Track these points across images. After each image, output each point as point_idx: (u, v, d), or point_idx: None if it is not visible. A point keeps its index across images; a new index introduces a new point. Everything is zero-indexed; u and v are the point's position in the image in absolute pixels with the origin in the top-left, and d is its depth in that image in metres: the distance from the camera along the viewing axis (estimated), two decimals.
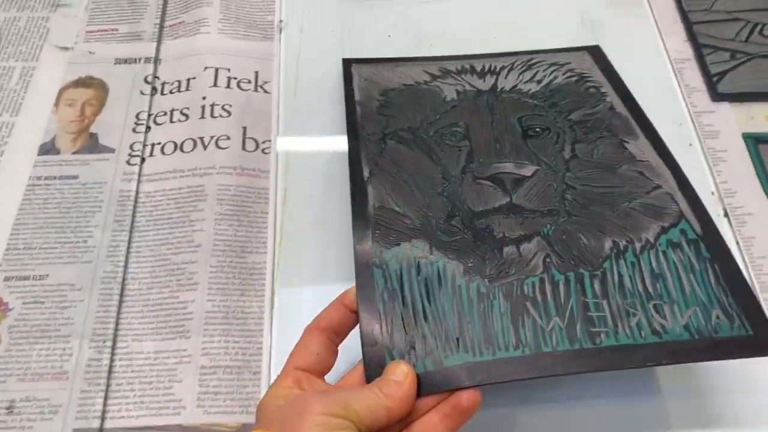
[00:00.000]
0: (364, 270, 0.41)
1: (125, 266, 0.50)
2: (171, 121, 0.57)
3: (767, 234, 0.51)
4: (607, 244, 0.41)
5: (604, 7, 0.63)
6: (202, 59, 0.60)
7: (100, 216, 0.52)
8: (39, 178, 0.54)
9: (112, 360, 0.46)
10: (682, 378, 0.44)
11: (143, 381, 0.45)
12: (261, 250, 0.51)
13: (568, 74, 0.54)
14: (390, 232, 0.43)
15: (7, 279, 0.49)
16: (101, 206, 0.53)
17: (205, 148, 0.55)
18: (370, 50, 0.60)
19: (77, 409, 0.44)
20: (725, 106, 0.57)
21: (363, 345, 0.37)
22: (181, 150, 0.55)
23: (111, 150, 0.56)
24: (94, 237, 0.51)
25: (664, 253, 0.41)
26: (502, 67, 0.55)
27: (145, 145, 0.56)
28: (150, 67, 0.60)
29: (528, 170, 0.45)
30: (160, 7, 0.64)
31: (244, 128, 0.56)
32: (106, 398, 0.44)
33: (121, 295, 0.49)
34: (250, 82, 0.59)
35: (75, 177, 0.54)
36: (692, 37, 0.61)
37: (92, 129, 0.57)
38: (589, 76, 0.53)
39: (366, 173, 0.46)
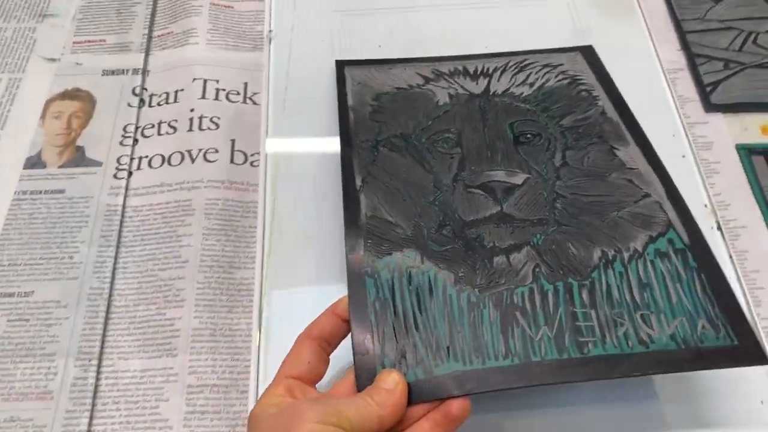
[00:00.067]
0: (356, 279, 0.41)
1: (112, 282, 0.49)
2: (159, 134, 0.56)
3: (760, 247, 0.50)
4: (596, 253, 0.42)
5: (596, 16, 0.63)
6: (191, 71, 0.59)
7: (87, 231, 0.51)
8: (25, 193, 0.53)
9: (97, 379, 0.45)
10: (679, 383, 0.44)
11: (129, 400, 0.45)
12: (249, 265, 0.50)
13: (561, 77, 0.54)
14: (382, 241, 0.43)
15: None
16: (88, 221, 0.52)
17: (192, 161, 0.54)
18: None
19: (62, 430, 0.43)
20: (718, 117, 0.57)
21: (354, 354, 0.38)
22: (169, 163, 0.55)
23: (98, 163, 0.55)
24: (80, 253, 0.50)
25: (652, 262, 0.41)
26: (495, 69, 0.55)
27: (132, 159, 0.55)
28: (138, 78, 0.60)
29: (519, 178, 0.45)
30: (149, 17, 0.64)
31: (233, 141, 0.56)
32: (91, 418, 0.44)
33: (107, 312, 0.48)
34: (239, 93, 0.59)
35: (61, 191, 0.53)
36: (685, 46, 0.61)
37: (79, 142, 0.56)
38: (581, 79, 0.53)
39: (358, 182, 0.47)
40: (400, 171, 0.47)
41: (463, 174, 0.46)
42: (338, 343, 0.40)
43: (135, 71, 0.60)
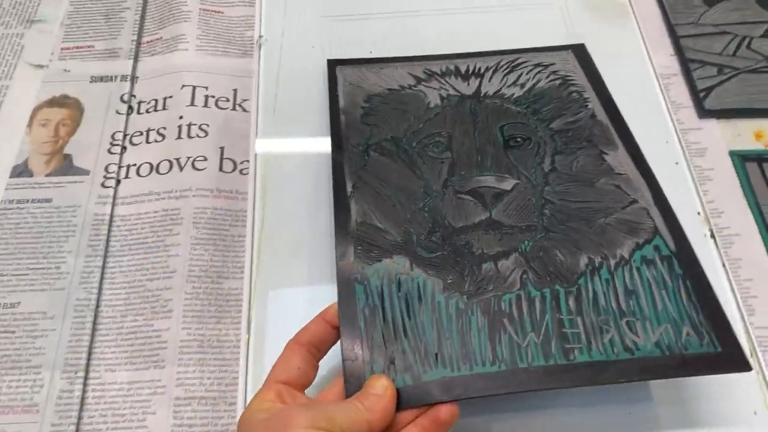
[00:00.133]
0: (345, 286, 0.41)
1: (99, 293, 0.49)
2: (147, 142, 0.56)
3: (754, 255, 0.50)
4: (583, 260, 0.42)
5: (589, 20, 0.62)
6: (180, 77, 0.59)
7: (74, 241, 0.51)
8: (11, 202, 0.53)
9: (84, 391, 0.45)
10: (674, 386, 0.44)
11: (116, 413, 0.44)
12: (238, 275, 0.49)
13: (552, 77, 0.54)
14: (372, 248, 0.43)
15: None
16: (75, 231, 0.51)
17: (181, 169, 0.54)
18: None
19: None
20: (712, 123, 0.56)
21: (344, 359, 0.38)
22: (157, 171, 0.54)
23: (86, 172, 0.54)
24: (67, 263, 0.50)
25: (638, 269, 0.42)
26: (487, 69, 0.55)
27: (120, 167, 0.55)
28: (126, 85, 0.59)
29: (508, 184, 0.46)
30: (137, 22, 0.63)
31: (222, 148, 0.55)
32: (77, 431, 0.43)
33: (94, 323, 0.47)
34: (228, 100, 0.58)
35: (48, 200, 0.53)
36: (679, 51, 0.60)
37: (66, 150, 0.56)
38: (572, 80, 0.53)
39: (349, 187, 0.47)
40: (391, 176, 0.47)
41: (453, 179, 0.46)
42: (328, 350, 0.40)
43: (123, 78, 0.60)
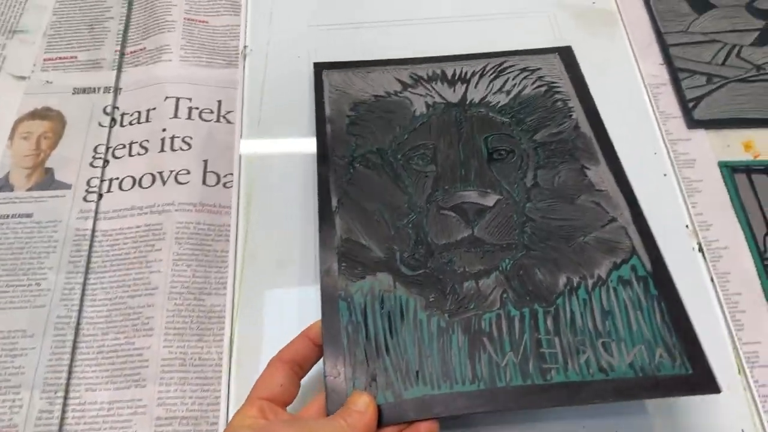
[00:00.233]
0: (329, 303, 0.42)
1: (80, 311, 0.48)
2: (130, 155, 0.55)
3: (742, 269, 0.49)
4: (562, 280, 0.43)
5: (577, 28, 0.61)
6: (163, 89, 0.58)
7: (55, 257, 0.50)
8: None
9: (63, 411, 0.44)
10: (661, 402, 0.44)
11: None
12: (220, 291, 0.49)
13: (538, 83, 0.54)
14: (356, 265, 0.44)
15: None
16: (56, 246, 0.51)
17: (164, 183, 0.53)
18: None
19: None
20: (701, 134, 0.56)
21: (326, 376, 0.39)
22: (140, 185, 0.54)
23: (67, 186, 0.54)
24: (47, 279, 0.49)
25: (614, 290, 0.42)
26: (473, 73, 0.55)
27: (102, 181, 0.54)
28: (109, 97, 0.58)
29: (490, 200, 0.46)
30: (121, 32, 0.62)
31: (205, 161, 0.54)
32: None
33: (75, 341, 0.47)
34: (212, 112, 0.58)
35: (29, 215, 0.52)
36: (668, 60, 0.60)
37: (48, 164, 0.55)
38: (557, 87, 0.54)
39: (334, 202, 0.47)
40: (376, 190, 0.48)
41: (437, 194, 0.47)
42: (310, 367, 0.40)
43: (106, 89, 0.59)
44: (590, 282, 0.42)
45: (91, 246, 0.51)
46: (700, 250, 0.50)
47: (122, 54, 0.61)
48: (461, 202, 0.46)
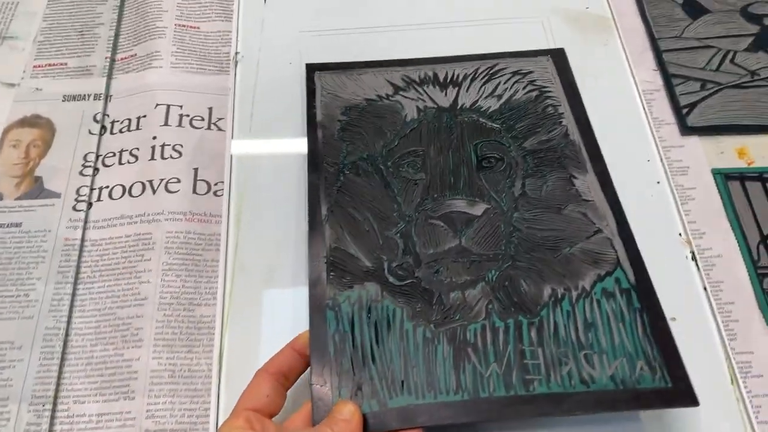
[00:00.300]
0: (317, 311, 0.42)
1: (68, 322, 0.48)
2: (120, 163, 0.55)
3: (736, 278, 0.49)
4: (546, 291, 0.43)
5: (570, 33, 0.61)
6: (153, 96, 0.58)
7: (44, 267, 0.50)
8: None
9: (51, 424, 0.44)
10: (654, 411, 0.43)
11: None
12: (210, 302, 0.48)
13: (529, 88, 0.54)
14: (344, 274, 0.44)
15: None
16: (45, 256, 0.50)
17: (154, 191, 0.53)
18: None
19: None
20: (694, 140, 0.55)
21: (312, 384, 0.39)
22: (130, 194, 0.53)
23: (56, 195, 0.53)
24: (36, 290, 0.49)
25: (598, 302, 0.43)
26: (465, 76, 0.55)
27: (92, 189, 0.54)
28: (99, 104, 0.58)
29: (478, 209, 0.46)
30: (112, 39, 0.62)
31: (196, 170, 0.54)
32: None
33: (63, 353, 0.46)
34: (203, 119, 0.57)
35: (18, 225, 0.52)
36: (662, 66, 0.59)
37: (37, 172, 0.55)
38: (548, 91, 0.54)
39: (324, 211, 0.47)
40: (365, 198, 0.48)
41: (426, 203, 0.47)
42: (296, 379, 0.41)
43: (97, 96, 0.58)
44: (574, 294, 0.43)
45: (80, 256, 0.50)
46: (694, 258, 0.49)
47: (113, 60, 0.61)
48: (449, 211, 0.46)
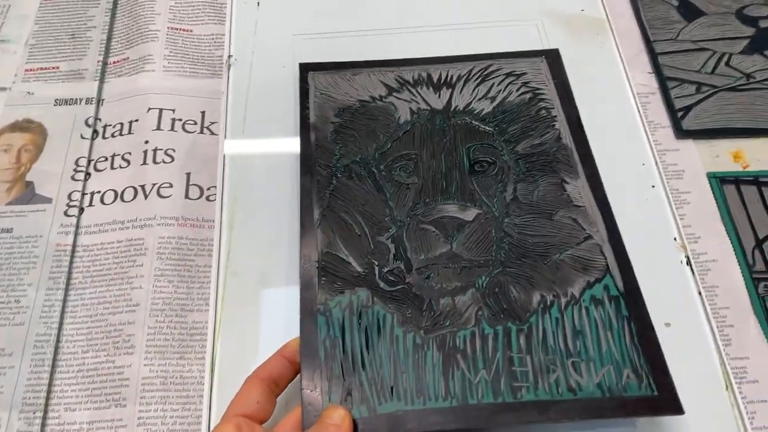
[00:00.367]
0: (308, 316, 0.43)
1: (59, 328, 0.47)
2: (112, 168, 0.54)
3: (731, 282, 0.49)
4: (536, 298, 0.43)
5: (565, 36, 0.61)
6: (146, 100, 0.57)
7: (35, 273, 0.49)
8: None
9: None
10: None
11: None
12: (202, 308, 0.48)
13: (523, 90, 0.54)
14: (336, 279, 0.44)
15: None
16: (36, 262, 0.50)
17: (146, 196, 0.52)
18: None
19: None
20: (689, 144, 0.55)
21: (302, 389, 0.39)
22: (122, 199, 0.53)
23: (48, 200, 0.53)
24: (27, 296, 0.49)
25: (586, 309, 0.43)
26: (459, 78, 0.55)
27: (84, 194, 0.53)
28: (91, 108, 0.58)
29: (470, 214, 0.46)
30: (104, 42, 0.61)
31: (188, 174, 0.54)
32: None
33: (54, 360, 0.46)
34: (195, 123, 0.57)
35: (9, 230, 0.51)
36: (657, 69, 0.59)
37: (28, 177, 0.54)
38: (542, 94, 0.54)
39: (317, 215, 0.47)
40: (358, 202, 0.48)
41: (418, 207, 0.47)
42: (286, 385, 0.41)
43: (89, 100, 0.58)
44: (563, 301, 0.43)
45: (71, 261, 0.50)
46: (688, 263, 0.49)
47: (105, 64, 0.60)
48: (441, 216, 0.46)
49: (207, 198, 0.53)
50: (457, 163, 0.49)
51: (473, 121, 0.52)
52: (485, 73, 0.55)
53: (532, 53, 0.57)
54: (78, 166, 0.55)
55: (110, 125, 0.57)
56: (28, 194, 0.53)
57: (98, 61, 0.60)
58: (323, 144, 0.51)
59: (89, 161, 0.55)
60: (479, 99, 0.53)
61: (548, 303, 0.43)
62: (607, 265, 0.44)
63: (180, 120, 0.57)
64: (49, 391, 0.45)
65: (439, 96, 0.54)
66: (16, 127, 0.57)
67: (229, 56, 0.60)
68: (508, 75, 0.55)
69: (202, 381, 0.45)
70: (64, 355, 0.46)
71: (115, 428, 0.44)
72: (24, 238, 0.51)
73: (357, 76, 0.55)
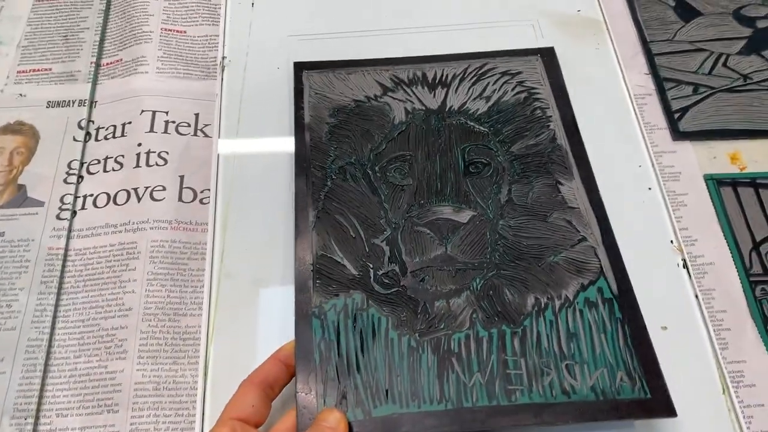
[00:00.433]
0: (303, 319, 0.43)
1: (51, 333, 0.47)
2: (105, 171, 0.54)
3: (728, 285, 0.49)
4: (530, 300, 0.43)
5: (561, 36, 0.60)
6: (139, 102, 0.57)
7: (27, 277, 0.49)
8: None
9: None
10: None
11: None
12: (195, 312, 0.48)
13: (518, 89, 0.54)
14: (330, 282, 0.44)
15: None
16: (28, 266, 0.50)
17: (139, 200, 0.52)
18: None
19: None
20: (687, 146, 0.55)
21: (297, 392, 0.39)
22: (114, 202, 0.52)
23: (40, 203, 0.52)
24: (18, 301, 0.48)
25: (581, 312, 0.43)
26: (454, 77, 0.55)
27: (76, 197, 0.53)
28: (84, 110, 0.57)
29: (464, 216, 0.46)
30: (97, 43, 0.61)
31: (182, 177, 0.53)
32: None
33: (46, 365, 0.46)
34: (189, 125, 0.56)
35: (0, 234, 0.51)
36: (654, 70, 0.59)
37: (20, 180, 0.54)
38: (537, 93, 0.54)
39: (311, 217, 0.47)
40: (353, 204, 0.48)
41: (413, 209, 0.47)
42: (281, 389, 0.41)
43: (81, 102, 0.58)
44: (557, 303, 0.43)
45: (63, 265, 0.50)
46: (685, 266, 0.49)
47: (98, 66, 0.60)
48: (435, 218, 0.46)
49: (200, 201, 0.53)
50: (452, 164, 0.49)
51: (468, 122, 0.52)
52: (480, 72, 0.55)
53: (528, 51, 0.56)
54: (70, 168, 0.54)
55: (103, 127, 0.56)
56: (20, 197, 0.53)
57: (91, 63, 0.60)
58: (318, 145, 0.51)
59: (82, 164, 0.54)
60: (474, 99, 0.53)
61: (542, 306, 0.43)
62: (601, 267, 0.45)
63: (173, 122, 0.56)
64: (40, 397, 0.45)
65: (434, 95, 0.54)
66: (8, 129, 0.56)
67: (223, 57, 0.59)
68: (503, 74, 0.55)
69: (196, 386, 0.45)
70: (56, 361, 0.46)
71: None
72: (16, 242, 0.51)
73: (352, 75, 0.55)
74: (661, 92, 0.57)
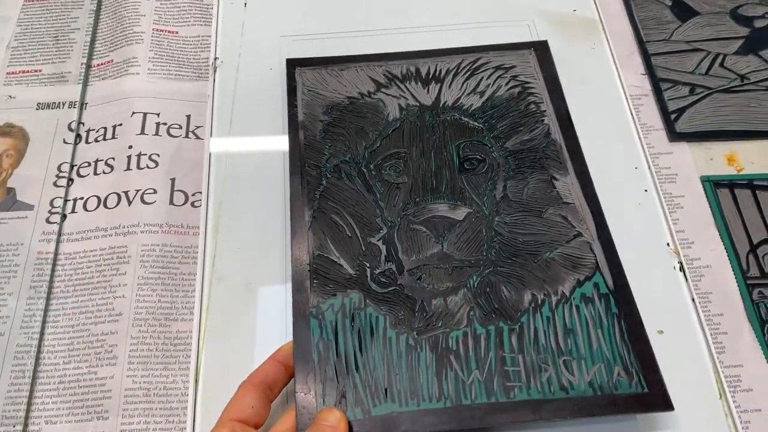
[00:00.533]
0: (300, 319, 0.42)
1: (40, 339, 0.46)
2: (95, 173, 0.53)
3: (725, 289, 0.48)
4: (527, 297, 0.43)
5: (557, 37, 0.60)
6: (130, 103, 0.56)
7: (16, 282, 0.48)
8: None
9: None
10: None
11: None
12: (187, 317, 0.47)
13: (512, 84, 0.54)
14: (327, 281, 0.44)
15: None
16: (17, 270, 0.49)
17: (129, 203, 0.51)
18: None
19: None
20: (683, 147, 0.54)
21: (296, 392, 0.40)
22: (105, 205, 0.52)
23: (30, 207, 0.52)
24: (7, 306, 0.48)
25: (577, 307, 0.43)
26: (447, 72, 0.55)
27: (66, 201, 0.52)
28: (74, 112, 0.56)
29: (460, 213, 0.46)
30: (88, 44, 0.60)
31: (173, 180, 0.53)
32: None
33: (35, 371, 0.45)
34: (180, 127, 0.56)
35: None
36: (650, 70, 0.58)
37: (10, 183, 0.53)
38: (531, 88, 0.53)
39: (307, 217, 0.47)
40: (348, 203, 0.48)
41: (408, 207, 0.47)
42: (281, 390, 0.41)
43: (72, 104, 0.57)
44: (554, 299, 0.43)
45: (53, 270, 0.49)
46: (682, 269, 0.48)
47: (88, 67, 0.59)
48: (431, 216, 0.46)
49: (192, 204, 0.52)
50: (447, 161, 0.49)
51: (462, 117, 0.52)
52: (474, 66, 0.55)
53: (521, 45, 0.56)
54: (60, 171, 0.53)
55: (93, 130, 0.56)
56: (9, 201, 0.52)
57: (82, 64, 0.59)
58: (312, 143, 0.50)
59: (72, 166, 0.54)
60: (468, 94, 0.53)
61: (539, 302, 0.43)
62: (597, 262, 0.45)
63: (165, 124, 0.56)
64: (29, 404, 0.44)
65: (428, 91, 0.53)
66: None
67: (216, 58, 0.59)
68: (497, 68, 0.55)
69: (187, 392, 0.44)
70: (45, 367, 0.45)
71: None
72: (5, 246, 0.50)
73: (345, 72, 0.55)
74: (658, 93, 0.57)
